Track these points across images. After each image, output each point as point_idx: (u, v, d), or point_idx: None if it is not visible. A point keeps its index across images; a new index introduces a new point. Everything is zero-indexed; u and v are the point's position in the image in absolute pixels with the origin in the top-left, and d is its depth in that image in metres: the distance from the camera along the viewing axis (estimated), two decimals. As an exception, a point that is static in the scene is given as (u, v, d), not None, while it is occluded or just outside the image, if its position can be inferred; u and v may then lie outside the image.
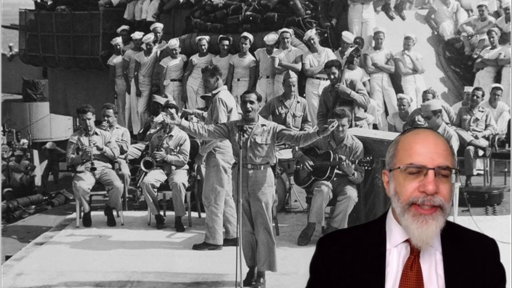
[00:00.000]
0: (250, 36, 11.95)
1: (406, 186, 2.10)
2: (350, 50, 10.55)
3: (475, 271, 2.13)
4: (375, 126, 11.12)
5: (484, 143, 10.06)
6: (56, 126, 21.07)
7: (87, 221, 8.88)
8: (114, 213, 9.02)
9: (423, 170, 2.08)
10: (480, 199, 9.23)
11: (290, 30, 11.73)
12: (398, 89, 11.69)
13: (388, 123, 11.39)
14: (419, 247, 2.10)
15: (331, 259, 2.18)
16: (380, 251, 2.14)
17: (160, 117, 7.01)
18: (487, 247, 2.19)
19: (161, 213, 8.96)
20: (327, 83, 9.65)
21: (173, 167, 8.92)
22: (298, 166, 8.02)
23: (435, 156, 2.09)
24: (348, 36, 11.48)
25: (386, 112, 11.71)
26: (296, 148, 8.00)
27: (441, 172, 2.09)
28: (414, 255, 2.12)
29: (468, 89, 11.08)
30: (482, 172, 10.39)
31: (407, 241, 2.12)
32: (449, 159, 2.11)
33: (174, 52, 12.47)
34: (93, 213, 8.97)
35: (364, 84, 10.59)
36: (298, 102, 9.67)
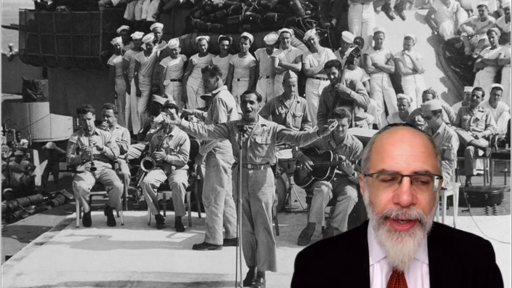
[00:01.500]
0: (250, 36, 11.95)
1: (380, 196, 1.82)
2: (350, 50, 10.56)
3: (465, 281, 1.89)
4: (375, 126, 11.11)
5: (484, 143, 10.06)
6: (56, 126, 21.07)
7: (87, 221, 8.88)
8: (114, 213, 9.02)
9: (398, 178, 1.80)
10: (480, 199, 9.22)
11: (290, 30, 11.72)
12: (398, 89, 11.69)
13: (388, 123, 11.39)
14: (396, 266, 1.85)
15: (312, 279, 1.94)
16: (363, 268, 1.88)
17: (160, 117, 7.01)
18: (482, 250, 1.93)
19: (161, 213, 8.96)
20: (327, 83, 9.65)
21: (173, 167, 8.92)
22: (298, 166, 8.02)
23: (411, 160, 1.80)
24: (348, 36, 11.48)
25: (386, 112, 11.71)
26: (296, 148, 8.00)
27: (419, 179, 1.80)
28: (398, 272, 1.87)
29: (468, 89, 11.08)
30: (482, 172, 10.39)
31: None
32: (429, 162, 1.82)
33: (174, 52, 12.47)
34: (93, 213, 8.97)
35: (364, 84, 10.59)
36: (298, 102, 9.66)
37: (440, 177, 1.83)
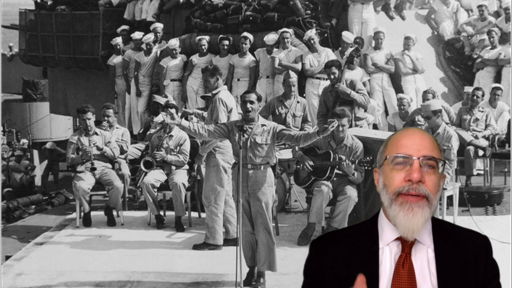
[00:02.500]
0: (250, 36, 11.95)
1: (394, 177, 2.12)
2: (350, 50, 10.55)
3: (467, 268, 2.13)
4: (375, 126, 11.13)
5: (484, 143, 10.06)
6: (56, 126, 21.07)
7: (87, 221, 8.88)
8: (114, 213, 9.02)
9: (409, 160, 2.11)
10: (480, 199, 9.23)
11: (290, 30, 11.73)
12: (398, 89, 11.69)
13: (388, 123, 11.39)
14: (406, 236, 2.10)
15: (325, 260, 2.17)
16: (373, 250, 2.14)
17: (160, 117, 7.01)
18: (480, 244, 2.19)
19: (161, 213, 8.96)
20: (327, 83, 9.65)
21: (173, 167, 8.92)
22: (298, 166, 8.02)
23: (420, 148, 2.13)
24: (348, 36, 11.48)
25: (386, 112, 11.71)
26: (296, 148, 8.00)
27: (427, 163, 2.11)
28: (406, 252, 2.12)
29: (468, 89, 11.08)
30: (482, 172, 10.39)
31: (399, 239, 2.13)
32: (435, 151, 2.14)
33: (174, 52, 12.47)
34: (93, 213, 8.97)
35: (364, 84, 10.59)
36: (298, 102, 9.67)
37: (444, 162, 2.16)
